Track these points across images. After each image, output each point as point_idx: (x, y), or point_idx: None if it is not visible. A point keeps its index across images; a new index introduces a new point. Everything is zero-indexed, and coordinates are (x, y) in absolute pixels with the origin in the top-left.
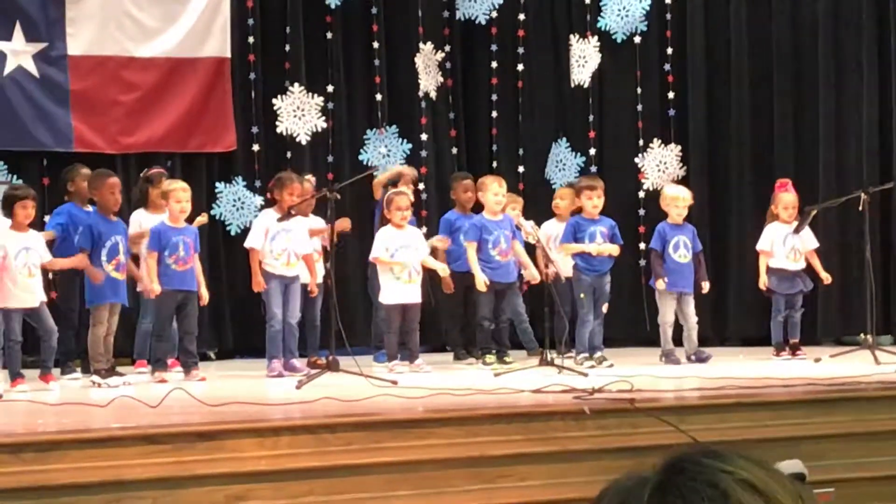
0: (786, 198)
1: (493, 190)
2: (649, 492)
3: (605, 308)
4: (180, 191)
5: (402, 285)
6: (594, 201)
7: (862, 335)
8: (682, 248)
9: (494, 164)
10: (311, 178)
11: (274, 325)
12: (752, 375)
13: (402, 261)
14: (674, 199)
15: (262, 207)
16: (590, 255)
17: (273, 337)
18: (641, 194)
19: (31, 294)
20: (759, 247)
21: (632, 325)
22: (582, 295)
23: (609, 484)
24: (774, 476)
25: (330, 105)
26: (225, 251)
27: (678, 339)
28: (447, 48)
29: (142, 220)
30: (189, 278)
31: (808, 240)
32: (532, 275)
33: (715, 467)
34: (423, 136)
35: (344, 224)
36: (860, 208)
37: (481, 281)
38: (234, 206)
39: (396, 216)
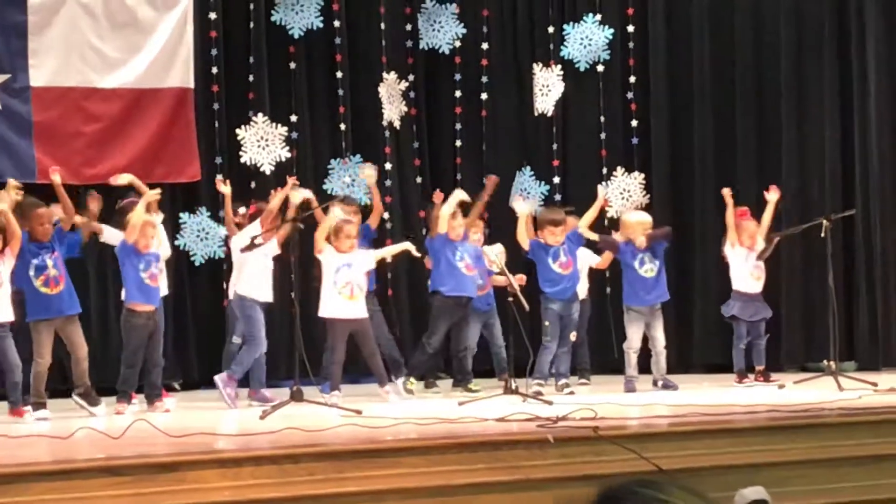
0: (748, 226)
1: (457, 222)
2: None
3: (573, 336)
4: (150, 227)
5: (343, 301)
6: (557, 237)
7: (825, 361)
8: (647, 263)
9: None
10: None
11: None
12: (715, 402)
13: (347, 279)
14: (640, 225)
15: (227, 238)
16: (556, 279)
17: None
18: (605, 222)
19: None
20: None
21: (598, 353)
22: (547, 323)
23: None
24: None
25: (294, 135)
26: (189, 281)
27: (643, 367)
28: (411, 77)
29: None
30: (157, 296)
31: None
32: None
33: (650, 496)
34: (388, 166)
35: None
36: (822, 235)
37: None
38: (198, 236)
39: (344, 244)
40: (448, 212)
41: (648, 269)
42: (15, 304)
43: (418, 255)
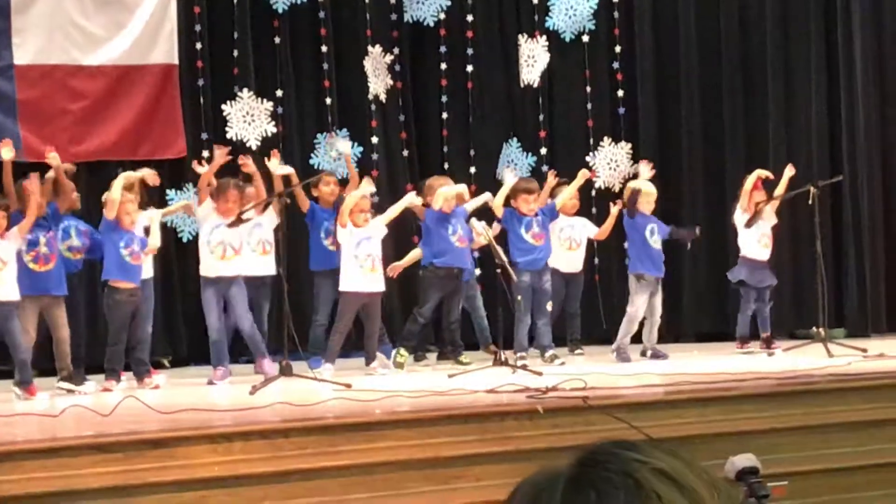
0: (757, 196)
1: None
2: (563, 486)
3: (549, 306)
4: (129, 203)
5: (365, 274)
6: (531, 205)
7: (814, 328)
8: (655, 234)
9: (446, 166)
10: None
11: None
12: (705, 371)
13: (367, 251)
14: (646, 195)
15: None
16: (527, 249)
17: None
18: (593, 192)
19: None
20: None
21: (587, 324)
22: (519, 297)
23: (521, 481)
24: (691, 467)
25: (280, 109)
26: (177, 258)
27: (634, 338)
28: (396, 51)
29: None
30: (140, 274)
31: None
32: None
33: (629, 457)
34: (374, 139)
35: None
36: (810, 202)
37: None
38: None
39: (359, 218)
40: (450, 193)
41: (656, 239)
42: None
43: (420, 201)
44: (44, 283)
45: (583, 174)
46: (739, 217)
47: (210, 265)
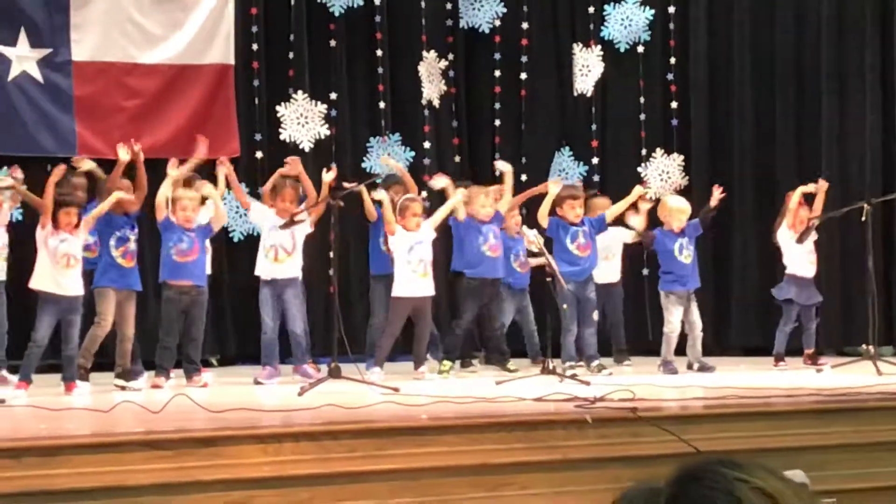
0: (802, 212)
1: (481, 202)
2: (664, 502)
3: (595, 316)
4: (186, 199)
5: (418, 279)
6: (576, 210)
7: (864, 346)
8: (685, 250)
9: (497, 173)
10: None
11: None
12: (753, 385)
13: (419, 256)
14: (679, 211)
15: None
16: (572, 260)
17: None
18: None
19: None
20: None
21: (635, 335)
22: (565, 306)
23: (619, 495)
24: (789, 485)
25: (333, 112)
26: (227, 258)
27: (679, 350)
28: (450, 56)
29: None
30: (195, 272)
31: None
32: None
33: (730, 476)
34: (426, 144)
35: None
36: (863, 218)
37: None
38: (237, 212)
39: (411, 222)
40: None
41: (686, 254)
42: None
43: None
44: (129, 278)
45: (637, 191)
46: (785, 234)
47: (264, 267)
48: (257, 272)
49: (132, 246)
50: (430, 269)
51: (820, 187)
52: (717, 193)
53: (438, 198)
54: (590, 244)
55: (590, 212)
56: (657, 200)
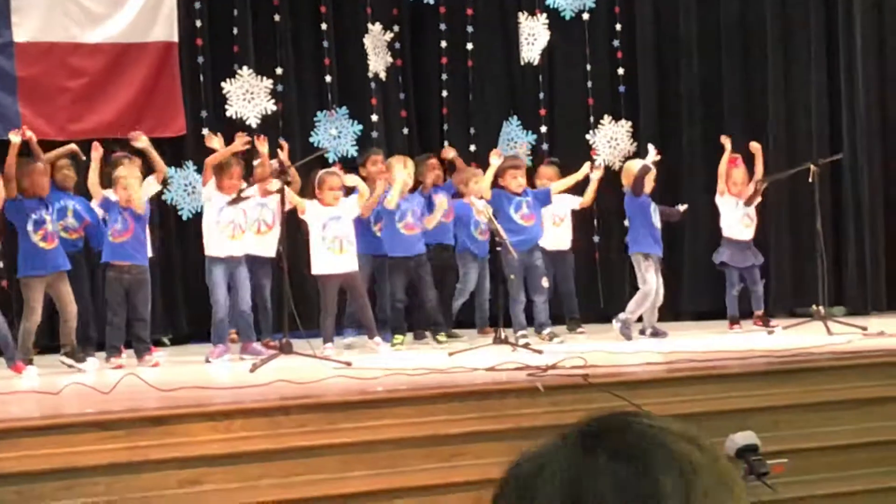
0: (736, 174)
1: (398, 169)
2: (579, 455)
3: (545, 283)
4: (130, 178)
5: (333, 256)
6: (518, 180)
7: (814, 306)
8: (656, 213)
9: (446, 144)
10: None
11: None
12: (704, 349)
13: (334, 233)
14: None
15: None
16: (516, 230)
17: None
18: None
19: None
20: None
21: (586, 302)
22: (512, 276)
23: (517, 459)
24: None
25: (279, 87)
26: (177, 236)
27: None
28: (396, 28)
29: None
30: (134, 253)
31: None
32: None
33: (645, 424)
34: (374, 117)
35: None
36: (810, 180)
37: None
38: (185, 190)
39: (328, 196)
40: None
41: (657, 218)
42: None
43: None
44: (52, 260)
45: (585, 168)
46: (719, 199)
47: (219, 244)
48: (209, 251)
49: (50, 227)
50: (348, 247)
51: (753, 150)
52: (652, 152)
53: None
54: (534, 215)
55: (537, 179)
56: (606, 168)
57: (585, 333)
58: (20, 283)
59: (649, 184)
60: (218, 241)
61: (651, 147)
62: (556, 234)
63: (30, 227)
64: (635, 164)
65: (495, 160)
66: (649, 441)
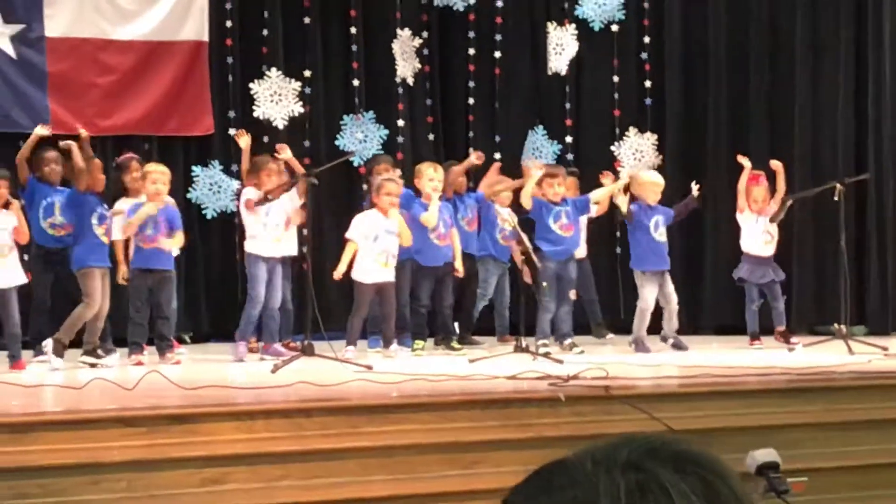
0: (756, 191)
1: (429, 175)
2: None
3: (572, 294)
4: (157, 172)
5: (378, 267)
6: (555, 188)
7: (835, 325)
8: (660, 227)
9: (470, 151)
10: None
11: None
12: (726, 364)
13: (384, 247)
14: (653, 185)
15: (239, 191)
16: (555, 240)
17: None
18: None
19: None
20: (742, 245)
21: (607, 313)
22: (545, 284)
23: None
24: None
25: (307, 90)
26: (201, 235)
27: (652, 330)
28: (425, 34)
29: (122, 207)
30: (161, 257)
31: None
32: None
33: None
34: (400, 122)
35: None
36: (835, 198)
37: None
38: (210, 189)
39: (384, 201)
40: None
41: (661, 233)
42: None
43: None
44: (107, 256)
45: (624, 178)
46: (740, 216)
47: (264, 245)
48: (255, 250)
49: (110, 223)
50: (392, 260)
51: (775, 166)
52: (695, 189)
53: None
54: (572, 225)
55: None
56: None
57: (612, 339)
58: (79, 273)
59: (655, 195)
60: (263, 241)
61: (695, 186)
62: (584, 244)
63: (94, 221)
64: (643, 174)
65: (536, 172)
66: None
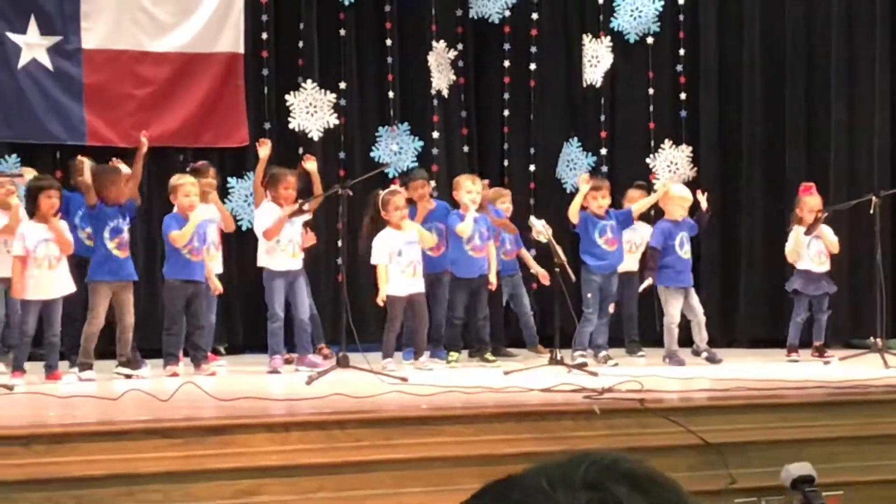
0: (810, 201)
1: (467, 188)
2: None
3: (611, 308)
4: (188, 185)
5: (407, 279)
6: (599, 201)
7: (871, 338)
8: (685, 244)
9: (505, 163)
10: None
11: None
12: (761, 377)
13: (409, 259)
14: (681, 200)
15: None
16: (600, 254)
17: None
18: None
19: (48, 287)
20: (787, 253)
21: (641, 326)
22: (589, 294)
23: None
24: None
25: (342, 102)
26: (236, 246)
27: (683, 342)
28: (460, 46)
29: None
30: (197, 269)
31: (830, 238)
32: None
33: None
34: (435, 134)
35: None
36: (871, 211)
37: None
38: (245, 201)
39: (395, 216)
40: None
41: (686, 250)
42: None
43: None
44: (125, 268)
45: (662, 188)
46: (794, 231)
47: (280, 260)
48: (269, 265)
49: (126, 236)
50: (419, 269)
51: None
52: (703, 199)
53: (447, 192)
54: (616, 240)
55: (625, 201)
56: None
57: (645, 357)
58: (88, 286)
59: (682, 210)
60: (280, 257)
61: (702, 196)
62: (629, 259)
63: (106, 234)
64: (674, 188)
65: (584, 186)
66: None
